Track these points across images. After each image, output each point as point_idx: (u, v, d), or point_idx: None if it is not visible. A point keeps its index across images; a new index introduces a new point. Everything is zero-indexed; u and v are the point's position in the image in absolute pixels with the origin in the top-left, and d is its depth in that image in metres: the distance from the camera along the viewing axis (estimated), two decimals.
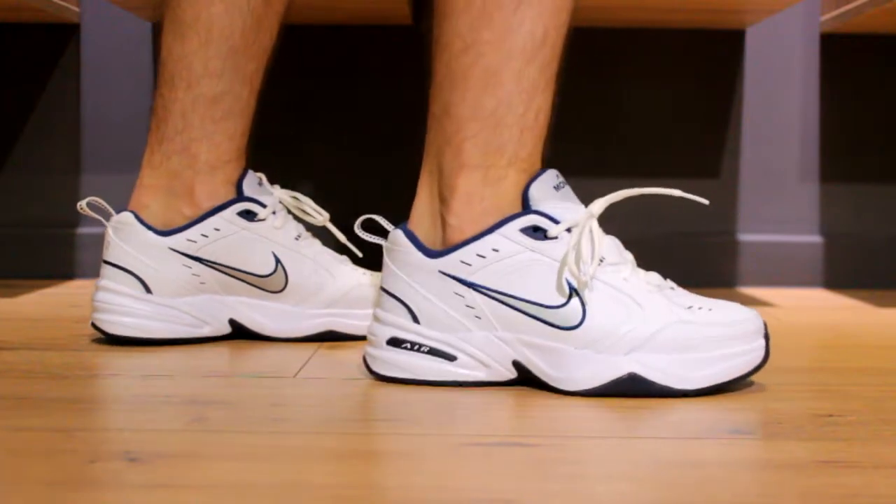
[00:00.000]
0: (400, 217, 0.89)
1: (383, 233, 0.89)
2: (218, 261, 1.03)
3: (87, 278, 1.58)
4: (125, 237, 1.01)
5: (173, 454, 0.66)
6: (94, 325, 1.02)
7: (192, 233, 1.02)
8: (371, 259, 1.08)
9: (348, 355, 0.98)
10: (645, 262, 0.91)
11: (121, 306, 1.01)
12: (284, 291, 1.04)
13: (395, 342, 0.86)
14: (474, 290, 0.84)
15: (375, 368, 0.87)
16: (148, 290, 1.01)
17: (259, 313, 1.04)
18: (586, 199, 0.87)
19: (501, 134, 0.85)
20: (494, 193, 0.85)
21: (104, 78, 1.61)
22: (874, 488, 0.61)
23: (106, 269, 1.02)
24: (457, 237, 0.85)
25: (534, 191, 0.85)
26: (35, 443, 0.68)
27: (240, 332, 1.05)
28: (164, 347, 1.00)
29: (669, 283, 0.86)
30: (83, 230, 1.60)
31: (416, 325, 0.86)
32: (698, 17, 1.52)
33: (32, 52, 1.60)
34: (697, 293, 0.89)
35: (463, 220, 0.85)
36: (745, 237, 1.61)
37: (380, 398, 0.83)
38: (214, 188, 1.03)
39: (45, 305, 1.32)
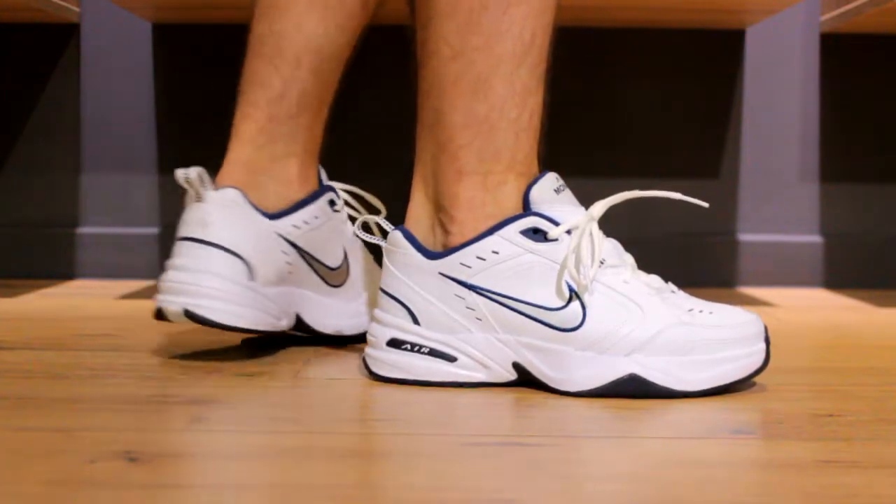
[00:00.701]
0: (400, 218, 0.89)
1: (382, 233, 0.90)
2: (308, 249, 0.98)
3: (87, 278, 1.58)
4: (234, 216, 0.92)
5: (173, 454, 0.66)
6: (187, 313, 0.89)
7: (297, 218, 0.97)
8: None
9: (348, 355, 0.98)
10: (645, 263, 0.91)
11: (220, 291, 0.90)
12: (343, 287, 1.02)
13: (395, 343, 0.86)
14: (475, 292, 0.84)
15: (375, 369, 0.87)
16: (252, 275, 0.92)
17: (319, 310, 1.00)
18: (586, 199, 0.87)
19: (496, 139, 0.85)
20: (495, 199, 0.85)
21: (104, 78, 1.61)
22: (875, 488, 0.61)
23: (205, 250, 0.90)
24: (457, 242, 0.85)
25: (534, 194, 0.85)
26: (35, 443, 0.68)
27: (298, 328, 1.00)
28: (164, 348, 1.00)
29: (671, 286, 0.86)
30: (83, 230, 1.60)
31: (416, 326, 0.86)
32: (698, 17, 1.52)
33: (32, 52, 1.60)
34: (698, 293, 0.89)
35: (465, 226, 0.85)
36: (745, 237, 1.61)
37: (380, 398, 0.83)
38: (310, 175, 1.00)
39: (45, 305, 1.32)
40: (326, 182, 1.02)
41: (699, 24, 1.57)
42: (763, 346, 0.84)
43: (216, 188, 0.93)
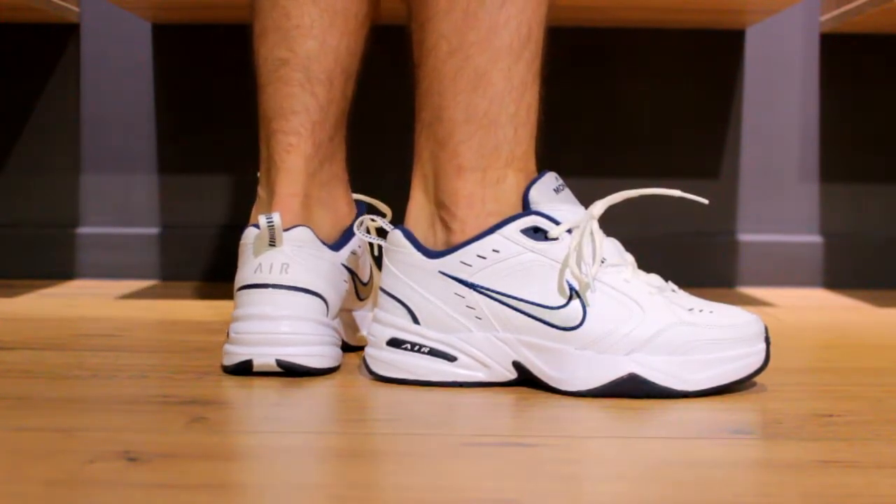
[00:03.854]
0: (399, 218, 0.89)
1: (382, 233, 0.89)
2: (356, 271, 0.97)
3: (86, 278, 1.58)
4: (308, 255, 0.90)
5: (173, 454, 0.66)
6: (280, 364, 0.87)
7: (354, 244, 0.96)
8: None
9: (348, 355, 0.98)
10: (645, 262, 0.91)
11: (306, 335, 0.88)
12: (368, 298, 1.01)
13: (395, 343, 0.86)
14: (475, 290, 0.84)
15: (375, 369, 0.87)
16: (328, 312, 0.91)
17: (352, 325, 1.00)
18: (586, 199, 0.87)
19: (496, 134, 0.85)
20: (495, 196, 0.85)
21: (104, 78, 1.61)
22: (875, 488, 0.61)
23: (286, 295, 0.88)
24: (459, 239, 0.85)
25: (534, 193, 0.85)
26: (35, 443, 0.68)
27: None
28: (164, 348, 1.00)
29: (671, 285, 0.86)
30: (83, 230, 1.60)
31: (416, 325, 0.86)
32: (698, 17, 1.52)
33: (32, 52, 1.60)
34: (698, 293, 0.89)
35: (466, 223, 0.85)
36: (745, 237, 1.61)
37: (380, 398, 0.83)
38: (349, 192, 0.99)
39: (45, 305, 1.32)
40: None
41: (699, 24, 1.57)
42: (763, 346, 0.84)
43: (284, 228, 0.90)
